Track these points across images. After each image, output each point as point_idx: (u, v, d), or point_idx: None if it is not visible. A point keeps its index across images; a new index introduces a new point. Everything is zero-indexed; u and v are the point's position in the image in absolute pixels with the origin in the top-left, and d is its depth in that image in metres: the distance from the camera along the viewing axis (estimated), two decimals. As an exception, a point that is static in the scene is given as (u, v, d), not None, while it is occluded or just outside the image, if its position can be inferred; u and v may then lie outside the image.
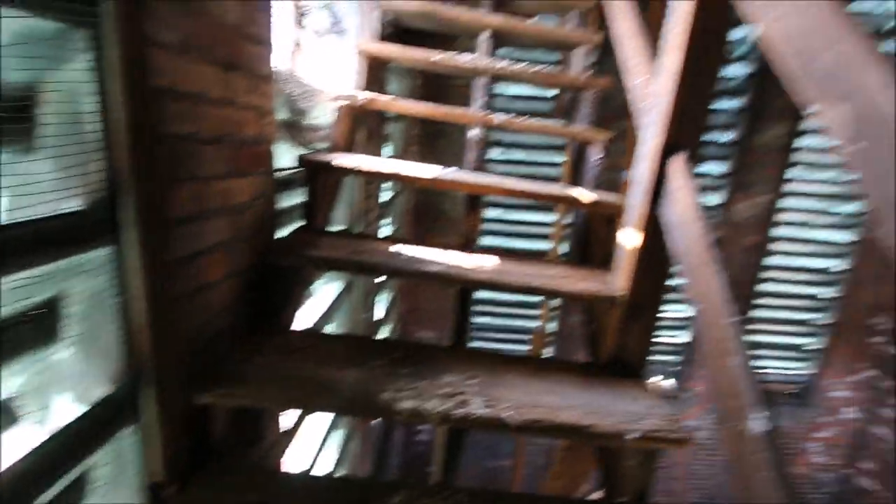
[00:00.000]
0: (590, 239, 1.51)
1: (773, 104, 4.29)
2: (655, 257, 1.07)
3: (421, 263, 1.15)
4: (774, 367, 5.24)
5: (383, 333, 3.60)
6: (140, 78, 0.69)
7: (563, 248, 4.30)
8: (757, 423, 0.74)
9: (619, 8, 1.41)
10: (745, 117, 4.31)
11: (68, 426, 0.73)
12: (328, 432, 2.30)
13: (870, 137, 0.49)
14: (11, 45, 0.60)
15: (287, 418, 1.55)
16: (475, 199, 1.34)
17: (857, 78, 0.51)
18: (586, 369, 1.21)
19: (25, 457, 0.65)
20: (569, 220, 2.70)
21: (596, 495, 1.31)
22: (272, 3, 1.15)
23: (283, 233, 1.51)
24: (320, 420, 2.22)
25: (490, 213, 4.54)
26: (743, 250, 4.67)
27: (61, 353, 0.74)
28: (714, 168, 4.47)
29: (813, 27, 0.59)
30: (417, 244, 1.27)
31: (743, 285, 4.77)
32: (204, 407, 0.97)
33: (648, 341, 1.13)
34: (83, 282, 0.74)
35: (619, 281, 1.16)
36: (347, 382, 1.02)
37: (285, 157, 1.47)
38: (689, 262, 0.86)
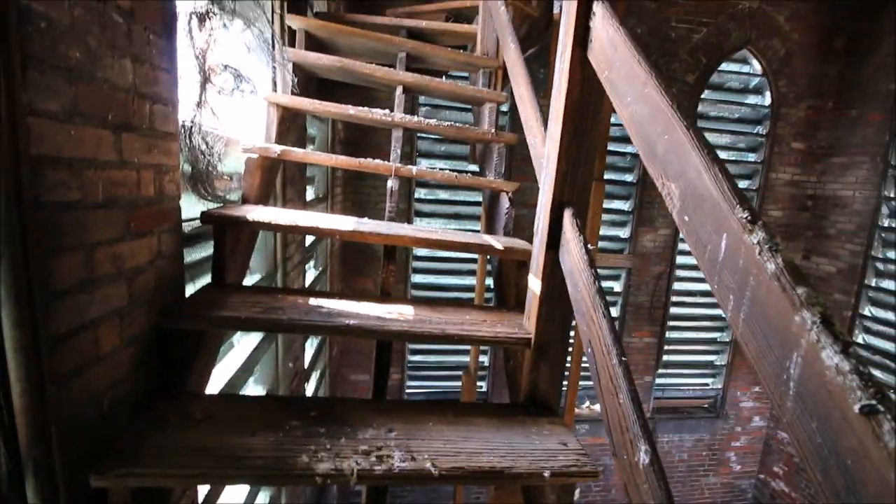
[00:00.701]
0: (504, 281, 1.59)
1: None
2: (558, 301, 1.16)
3: (337, 317, 1.15)
4: (690, 383, 5.66)
5: (313, 380, 3.46)
6: (14, 148, 0.66)
7: (489, 281, 4.42)
8: (644, 454, 0.81)
9: (517, 74, 1.56)
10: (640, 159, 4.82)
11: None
12: (251, 496, 2.14)
13: (691, 211, 0.59)
14: None
15: (203, 488, 1.44)
16: (391, 251, 1.37)
17: (683, 163, 0.62)
18: (504, 410, 1.25)
19: None
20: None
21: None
22: (177, 61, 1.14)
23: (196, 286, 1.44)
24: (242, 486, 2.06)
25: (420, 251, 4.60)
26: (653, 278, 5.10)
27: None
28: (621, 205, 4.91)
29: (652, 115, 0.71)
30: (343, 288, 1.27)
31: (656, 310, 5.18)
32: (101, 489, 0.88)
33: (558, 380, 1.20)
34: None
35: (528, 324, 1.23)
36: (260, 449, 0.98)
37: (196, 209, 1.42)
38: (581, 307, 0.95)
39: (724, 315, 0.52)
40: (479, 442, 1.11)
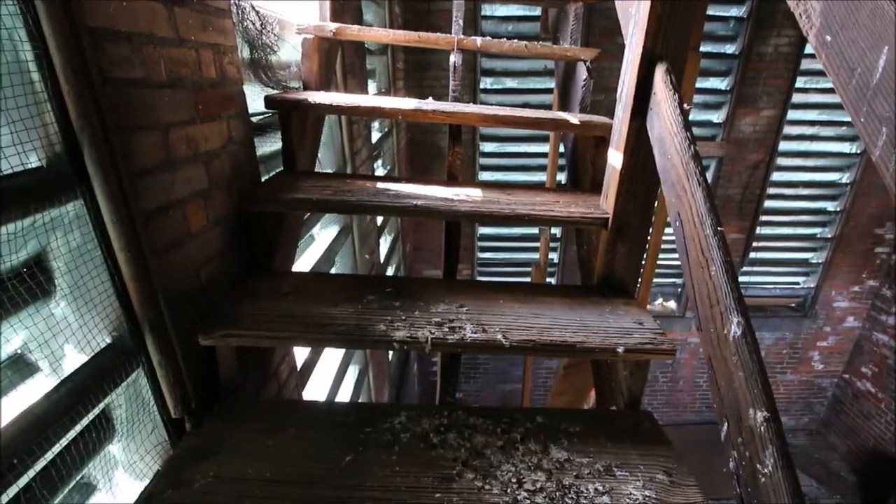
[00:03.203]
0: (580, 164, 1.47)
1: (777, 8, 3.99)
2: (642, 176, 1.05)
3: (405, 199, 1.13)
4: (777, 282, 5.30)
5: (388, 273, 3.66)
6: (71, 18, 0.65)
7: (561, 177, 4.23)
8: (735, 326, 0.76)
9: None
10: (747, 25, 4.04)
11: (74, 374, 0.77)
12: (343, 368, 2.41)
13: (837, 28, 0.45)
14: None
15: (300, 356, 1.62)
16: (457, 132, 1.30)
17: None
18: (576, 291, 1.23)
19: (37, 403, 0.70)
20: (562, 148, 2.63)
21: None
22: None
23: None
24: (334, 357, 2.32)
25: (487, 147, 4.43)
26: (748, 167, 4.57)
27: (58, 307, 0.76)
28: (717, 83, 4.27)
29: (864, 24, 0.47)
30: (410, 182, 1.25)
31: (747, 203, 4.72)
32: (209, 349, 1.01)
33: (637, 261, 1.13)
34: (62, 237, 0.75)
35: (605, 204, 1.14)
36: (342, 318, 1.05)
37: (259, 99, 1.41)
38: (671, 176, 0.84)
39: (868, 151, 0.41)
40: (550, 319, 1.11)
